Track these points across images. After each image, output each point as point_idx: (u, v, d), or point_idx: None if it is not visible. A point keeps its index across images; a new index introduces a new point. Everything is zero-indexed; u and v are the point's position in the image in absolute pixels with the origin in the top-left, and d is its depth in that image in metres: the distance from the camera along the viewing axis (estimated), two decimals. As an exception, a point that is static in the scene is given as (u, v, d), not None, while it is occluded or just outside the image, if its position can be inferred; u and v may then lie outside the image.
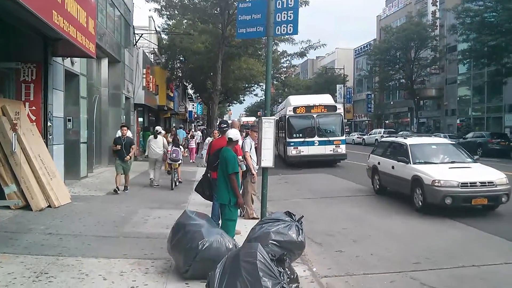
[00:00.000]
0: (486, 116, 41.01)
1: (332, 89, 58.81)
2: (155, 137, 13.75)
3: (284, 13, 6.91)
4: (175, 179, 13.34)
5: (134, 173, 15.19)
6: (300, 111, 20.73)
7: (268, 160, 6.94)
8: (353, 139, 49.87)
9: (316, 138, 20.37)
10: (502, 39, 29.97)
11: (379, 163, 12.66)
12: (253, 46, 26.60)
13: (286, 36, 23.79)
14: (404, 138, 12.28)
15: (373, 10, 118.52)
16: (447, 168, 10.10)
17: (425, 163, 10.58)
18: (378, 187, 12.80)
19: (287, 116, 20.87)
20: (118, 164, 12.09)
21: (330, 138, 20.41)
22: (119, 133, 12.53)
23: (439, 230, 8.46)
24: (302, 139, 20.37)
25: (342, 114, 21.50)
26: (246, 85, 37.35)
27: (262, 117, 7.11)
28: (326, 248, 7.29)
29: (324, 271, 6.09)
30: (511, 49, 29.95)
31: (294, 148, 20.34)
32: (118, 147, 11.96)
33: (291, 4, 6.90)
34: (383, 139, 15.88)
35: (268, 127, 6.84)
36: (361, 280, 5.75)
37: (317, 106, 20.82)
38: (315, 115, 20.57)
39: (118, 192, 11.68)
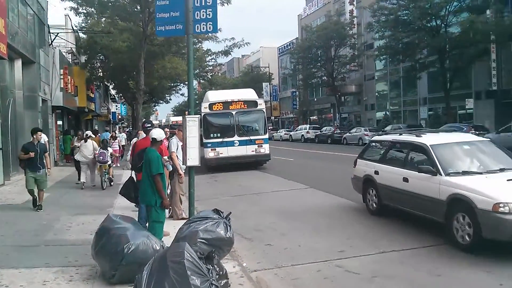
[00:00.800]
0: (403, 109, 43.52)
1: (258, 87, 59.58)
2: (85, 141, 13.88)
3: (203, 11, 6.91)
4: (106, 179, 13.55)
5: (54, 180, 14.47)
6: (217, 107, 18.28)
7: (193, 159, 6.90)
8: (280, 136, 50.83)
9: (236, 138, 18.07)
10: (414, 36, 31.96)
11: (376, 173, 8.94)
12: (177, 45, 26.27)
13: (209, 34, 23.69)
14: (418, 136, 8.31)
15: (294, 10, 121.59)
16: (505, 181, 6.58)
17: (465, 173, 7.01)
18: (375, 205, 8.96)
19: (202, 114, 18.08)
20: (30, 178, 9.77)
21: (252, 137, 18.21)
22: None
23: (363, 219, 8.85)
24: (220, 140, 17.98)
25: (264, 110, 19.23)
26: (172, 84, 36.84)
27: (186, 116, 7.06)
28: (256, 243, 7.38)
29: (254, 265, 6.16)
30: (423, 46, 32.00)
31: (211, 149, 18.00)
32: (32, 154, 9.65)
33: (209, 2, 6.93)
34: (377, 138, 10.95)
35: (193, 125, 6.80)
36: (289, 271, 5.88)
37: (235, 101, 18.40)
38: (234, 112, 18.21)
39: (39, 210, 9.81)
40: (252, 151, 18.17)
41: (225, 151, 17.96)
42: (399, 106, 44.09)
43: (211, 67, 36.57)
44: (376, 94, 47.86)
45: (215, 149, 17.92)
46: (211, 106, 18.30)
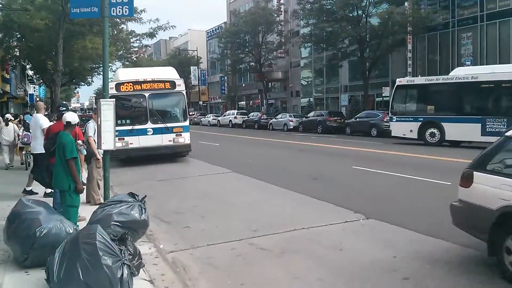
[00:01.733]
0: (326, 96, 45.11)
1: (187, 71, 59.04)
2: (7, 125, 14.34)
3: (119, -5, 6.87)
4: (29, 160, 13.58)
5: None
6: (127, 88, 14.96)
7: (108, 143, 6.88)
8: (208, 121, 50.89)
9: (149, 125, 15.17)
10: (337, 26, 33.13)
11: None
12: (98, 25, 25.31)
13: (133, 16, 23.05)
14: None
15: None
16: None
17: None
18: None
19: (109, 96, 14.84)
20: None
21: (169, 125, 15.35)
22: None
23: (278, 200, 9.29)
24: (129, 127, 14.94)
25: (184, 92, 16.14)
26: (94, 65, 35.46)
27: (101, 99, 7.01)
28: (175, 226, 7.53)
29: (170, 247, 6.32)
30: (345, 35, 33.29)
31: (119, 139, 13.83)
32: None
33: (125, -14, 6.89)
34: None
35: (107, 109, 6.77)
36: (205, 251, 6.12)
37: (149, 81, 15.17)
38: (147, 94, 15.12)
39: None
40: (169, 141, 15.39)
41: (136, 141, 15.02)
42: (322, 93, 45.62)
43: (136, 49, 35.64)
44: (302, 81, 49.12)
45: (124, 139, 14.70)
46: (118, 86, 14.80)
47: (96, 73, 40.32)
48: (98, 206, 7.96)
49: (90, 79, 45.09)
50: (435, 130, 20.64)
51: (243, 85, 59.20)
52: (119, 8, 6.84)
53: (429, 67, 33.23)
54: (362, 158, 15.76)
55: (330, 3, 34.52)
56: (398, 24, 30.35)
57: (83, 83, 47.62)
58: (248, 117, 44.73)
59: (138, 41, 32.42)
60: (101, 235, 4.37)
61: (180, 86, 15.70)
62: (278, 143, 23.30)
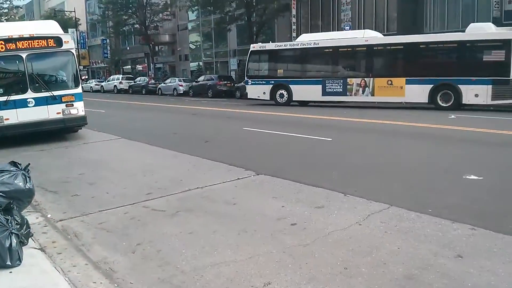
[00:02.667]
0: (215, 60, 45.10)
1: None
2: None
3: None
4: None
5: None
6: None
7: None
8: (91, 87, 48.25)
9: (29, 95, 12.14)
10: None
11: None
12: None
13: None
14: None
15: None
16: None
17: None
18: None
19: None
20: None
21: (56, 93, 12.34)
22: None
23: (171, 163, 9.32)
24: (3, 98, 11.90)
25: (74, 51, 13.18)
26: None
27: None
28: (62, 195, 7.21)
29: (59, 215, 6.09)
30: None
31: None
32: None
33: None
34: None
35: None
36: (96, 217, 6.00)
37: (26, 38, 12.02)
38: (24, 55, 11.95)
39: None
40: (57, 113, 12.40)
41: (13, 115, 11.95)
42: (211, 57, 45.52)
43: (6, 10, 32.29)
44: (190, 45, 48.40)
45: None
46: None
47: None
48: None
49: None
50: (284, 92, 22.78)
51: (128, 48, 56.73)
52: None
53: (312, 31, 34.71)
54: (252, 120, 16.25)
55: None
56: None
57: None
58: (134, 82, 43.23)
59: (7, 2, 29.39)
60: (-17, 206, 4.17)
61: (68, 43, 12.57)
62: (169, 108, 23.00)
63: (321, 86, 21.47)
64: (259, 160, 9.26)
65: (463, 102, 18.37)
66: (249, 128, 13.75)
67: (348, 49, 21.25)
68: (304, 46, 22.18)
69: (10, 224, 4.23)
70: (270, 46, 23.87)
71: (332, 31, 29.75)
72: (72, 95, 12.64)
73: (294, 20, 33.99)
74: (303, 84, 22.24)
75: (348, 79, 20.87)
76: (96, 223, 5.77)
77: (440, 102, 18.89)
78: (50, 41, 12.21)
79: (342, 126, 14.46)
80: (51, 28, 13.16)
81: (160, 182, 7.65)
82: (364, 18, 31.40)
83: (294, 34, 33.65)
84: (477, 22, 26.03)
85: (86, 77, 16.31)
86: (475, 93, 17.92)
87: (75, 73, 13.01)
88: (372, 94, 20.42)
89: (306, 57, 22.47)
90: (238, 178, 7.65)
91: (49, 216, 6.02)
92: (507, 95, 17.46)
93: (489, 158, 9.04)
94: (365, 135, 12.63)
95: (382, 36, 22.34)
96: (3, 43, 11.66)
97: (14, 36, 11.85)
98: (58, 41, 12.35)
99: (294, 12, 33.76)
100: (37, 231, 5.18)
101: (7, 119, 11.84)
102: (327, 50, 21.68)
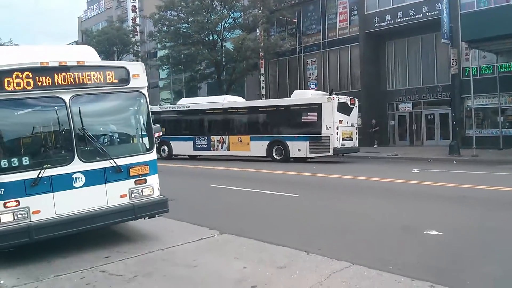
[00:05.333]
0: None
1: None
2: None
3: None
4: None
5: None
6: (20, 83, 6.30)
7: None
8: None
9: (77, 166, 6.79)
10: (193, 49, 33.80)
11: None
12: None
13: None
14: None
15: (75, 11, 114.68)
16: None
17: None
18: None
19: None
20: None
21: (120, 161, 7.15)
22: None
23: (132, 223, 9.11)
24: (32, 174, 6.42)
25: (146, 91, 7.62)
26: None
27: None
28: (15, 258, 6.92)
29: (13, 281, 5.83)
30: (202, 59, 34.14)
31: (5, 204, 6.22)
32: None
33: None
34: None
35: None
36: (51, 283, 5.76)
37: (72, 69, 6.78)
38: (68, 97, 6.75)
39: None
40: (122, 196, 7.22)
41: (48, 204, 6.59)
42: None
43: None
44: (161, 102, 48.81)
45: (17, 203, 6.32)
46: (2, 77, 6.22)
47: None
48: None
49: None
50: (165, 147, 25.92)
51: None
52: None
53: (280, 89, 35.66)
54: (217, 176, 16.22)
55: (186, 27, 35.14)
56: (251, 50, 32.13)
57: None
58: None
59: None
60: None
61: (139, 79, 7.41)
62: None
63: (192, 142, 24.97)
64: (225, 218, 9.18)
65: (290, 156, 21.41)
66: (217, 185, 13.73)
67: (211, 111, 24.68)
68: (180, 109, 26.13)
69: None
70: (156, 108, 26.10)
71: (299, 89, 30.67)
72: (145, 163, 7.47)
73: (262, 78, 34.95)
74: (179, 140, 25.39)
75: (211, 136, 24.31)
76: (50, 289, 5.54)
77: (275, 156, 21.93)
78: (110, 75, 7.17)
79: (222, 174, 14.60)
80: (89, 55, 8.13)
81: (120, 243, 7.44)
82: (329, 76, 32.56)
83: (263, 92, 34.48)
84: (436, 79, 27.46)
85: (160, 134, 11.92)
86: (298, 148, 21.10)
87: (147, 127, 7.69)
88: (228, 149, 23.71)
89: (182, 117, 26.13)
90: (202, 238, 7.53)
91: (1, 282, 5.75)
92: (320, 149, 20.59)
93: (446, 213, 9.21)
94: (326, 191, 12.75)
95: (242, 100, 26.07)
96: (31, 75, 6.43)
97: (50, 64, 6.62)
98: (124, 74, 7.32)
99: (262, 70, 34.77)
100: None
101: (37, 211, 6.45)
102: (196, 112, 25.20)
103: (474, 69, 23.36)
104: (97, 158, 6.98)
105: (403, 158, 21.60)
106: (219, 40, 34.80)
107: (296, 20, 33.98)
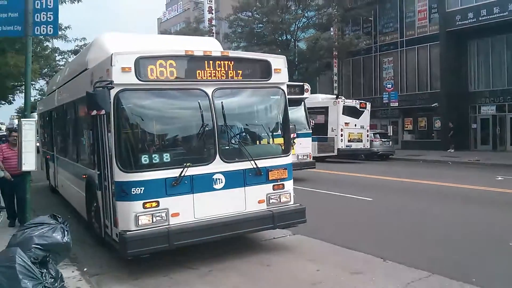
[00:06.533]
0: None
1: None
2: None
3: (44, 14, 6.72)
4: None
5: None
6: (161, 72, 5.86)
7: (30, 163, 6.64)
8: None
9: (218, 166, 6.24)
10: (266, 49, 34.02)
11: None
12: (21, 42, 24.29)
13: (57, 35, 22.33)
14: None
15: (154, 13, 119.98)
16: None
17: None
18: None
19: (113, 94, 5.65)
20: None
21: (260, 163, 6.54)
22: None
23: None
24: (174, 172, 5.90)
25: (285, 88, 7.07)
26: (15, 83, 33.78)
27: (22, 119, 6.77)
28: (100, 249, 7.30)
29: (95, 270, 6.18)
30: (274, 58, 34.27)
31: (144, 205, 5.73)
32: None
33: (50, 6, 6.76)
34: None
35: (29, 129, 6.57)
36: (131, 271, 6.02)
37: (217, 59, 6.31)
38: (211, 90, 6.24)
39: None
40: (260, 201, 6.64)
41: (188, 207, 6.04)
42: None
43: (62, 67, 34.50)
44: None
45: (156, 204, 5.81)
46: (142, 66, 5.76)
47: (18, 91, 38.47)
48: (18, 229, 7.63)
49: (11, 98, 42.88)
50: None
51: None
52: (43, 27, 6.69)
53: (354, 89, 34.93)
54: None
55: (260, 27, 35.46)
56: (324, 49, 31.76)
57: (3, 102, 45.14)
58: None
59: (63, 59, 31.45)
60: (21, 258, 4.30)
61: (280, 74, 6.86)
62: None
63: None
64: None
65: None
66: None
67: None
68: None
69: (44, 278, 4.35)
70: None
71: (374, 88, 29.85)
72: (284, 167, 6.85)
73: (335, 78, 34.44)
74: None
75: None
76: (130, 279, 5.79)
77: None
78: (252, 68, 6.80)
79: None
80: (218, 47, 8.04)
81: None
82: (406, 76, 31.39)
83: (335, 91, 33.97)
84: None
85: (295, 135, 9.77)
86: None
87: (284, 127, 7.13)
88: None
89: None
90: (274, 238, 7.54)
91: (85, 269, 6.10)
92: (327, 150, 21.25)
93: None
94: (403, 195, 12.28)
95: None
96: (175, 64, 6.00)
97: (195, 53, 6.17)
98: (266, 68, 6.77)
99: (335, 70, 34.28)
100: (71, 285, 5.27)
101: (176, 214, 5.94)
102: None
103: None
104: (237, 159, 6.43)
105: (485, 164, 20.33)
106: (292, 39, 34.77)
107: (372, 19, 33.07)
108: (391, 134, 27.51)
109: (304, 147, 14.41)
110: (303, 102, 15.18)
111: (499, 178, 15.02)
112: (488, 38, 27.65)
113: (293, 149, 7.42)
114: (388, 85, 28.72)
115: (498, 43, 27.40)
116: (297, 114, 14.54)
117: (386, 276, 5.59)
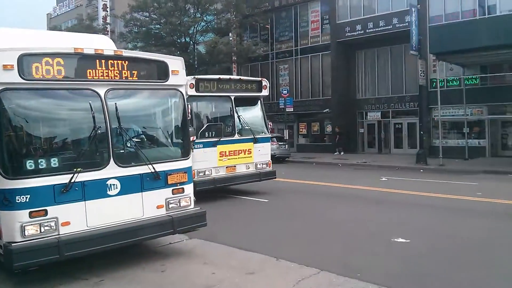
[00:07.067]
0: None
1: None
2: None
3: None
4: None
5: None
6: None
7: None
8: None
9: (112, 171, 6.03)
10: (165, 50, 33.43)
11: None
12: None
13: None
14: None
15: (44, 8, 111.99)
16: None
17: None
18: None
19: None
20: None
21: (158, 167, 6.45)
22: None
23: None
24: (63, 178, 5.62)
25: (184, 90, 7.08)
26: None
27: None
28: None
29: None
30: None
31: (30, 218, 5.38)
32: None
33: None
34: None
35: None
36: None
37: (108, 57, 6.07)
38: (102, 90, 6.03)
39: None
40: (159, 207, 6.51)
41: (80, 215, 5.77)
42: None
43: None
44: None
45: (45, 211, 5.49)
46: (28, 62, 5.41)
47: None
48: None
49: None
50: None
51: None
52: None
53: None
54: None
55: (158, 28, 34.79)
56: (223, 54, 32.05)
57: None
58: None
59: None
60: None
61: (178, 75, 6.81)
62: None
63: None
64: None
65: None
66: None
67: None
68: None
69: None
70: None
71: (271, 95, 30.75)
72: (183, 170, 6.76)
73: (235, 82, 34.86)
74: None
75: None
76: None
77: None
78: (148, 69, 6.69)
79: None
80: (112, 46, 7.96)
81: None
82: (301, 83, 32.81)
83: (234, 96, 34.37)
84: (405, 89, 28.05)
85: (194, 138, 9.06)
86: None
87: (184, 130, 7.10)
88: None
89: None
90: (170, 243, 7.42)
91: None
92: None
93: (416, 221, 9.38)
94: (298, 196, 12.80)
95: None
96: (63, 62, 5.70)
97: (86, 52, 5.92)
98: (163, 69, 6.69)
99: (235, 75, 34.71)
100: None
101: (66, 223, 5.64)
102: None
103: (441, 80, 23.91)
104: (133, 163, 6.19)
105: (371, 166, 21.92)
106: (191, 42, 34.59)
107: (269, 26, 34.10)
108: (287, 138, 28.51)
109: (263, 154, 12.84)
110: (259, 101, 13.13)
111: (383, 179, 16.27)
112: (374, 49, 29.84)
113: (191, 154, 7.01)
114: (284, 91, 29.74)
115: (383, 54, 29.71)
116: (253, 114, 13.22)
117: (279, 275, 5.77)
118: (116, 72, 6.05)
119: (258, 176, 12.53)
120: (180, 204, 6.60)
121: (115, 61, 6.05)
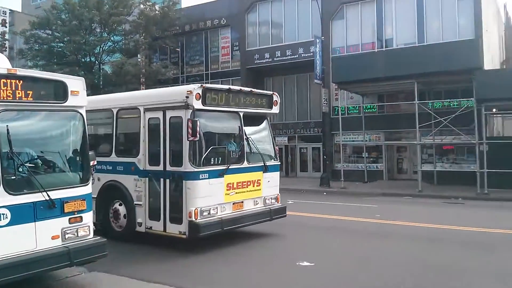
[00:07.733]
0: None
1: None
2: None
3: None
4: None
5: None
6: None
7: None
8: None
9: (1, 198, 5.54)
10: (67, 70, 31.91)
11: None
12: None
13: None
14: None
15: None
16: None
17: None
18: None
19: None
20: None
21: (53, 194, 6.00)
22: None
23: None
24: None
25: (84, 111, 6.68)
26: None
27: None
28: None
29: None
30: (76, 79, 32.32)
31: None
32: None
33: None
34: None
35: None
36: None
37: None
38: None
39: None
40: (54, 237, 6.08)
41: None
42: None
43: None
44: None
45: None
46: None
47: None
48: None
49: None
50: None
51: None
52: None
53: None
54: None
55: (61, 46, 33.24)
56: (131, 75, 31.33)
57: None
58: None
59: None
60: None
61: (78, 96, 6.44)
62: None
63: None
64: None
65: None
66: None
67: None
68: None
69: None
70: None
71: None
72: (82, 198, 6.37)
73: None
74: None
75: None
76: None
77: None
78: (45, 89, 6.29)
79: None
80: (4, 63, 7.37)
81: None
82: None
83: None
84: (310, 115, 29.25)
85: (95, 162, 6.85)
86: None
87: (83, 154, 6.67)
88: None
89: None
90: (67, 277, 6.91)
91: None
92: None
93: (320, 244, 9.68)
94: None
95: None
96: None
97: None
98: (61, 90, 6.33)
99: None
100: None
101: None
102: None
103: (343, 108, 25.32)
104: (25, 190, 5.74)
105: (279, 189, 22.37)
106: (97, 62, 33.41)
107: (179, 50, 34.04)
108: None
109: (272, 186, 10.20)
110: (266, 120, 10.73)
111: (290, 202, 16.64)
112: (281, 77, 30.92)
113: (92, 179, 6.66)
114: (194, 115, 29.63)
115: (290, 81, 30.87)
116: (261, 135, 10.51)
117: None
118: (9, 92, 5.63)
119: (268, 214, 9.90)
120: (78, 234, 6.16)
121: (8, 81, 5.62)
